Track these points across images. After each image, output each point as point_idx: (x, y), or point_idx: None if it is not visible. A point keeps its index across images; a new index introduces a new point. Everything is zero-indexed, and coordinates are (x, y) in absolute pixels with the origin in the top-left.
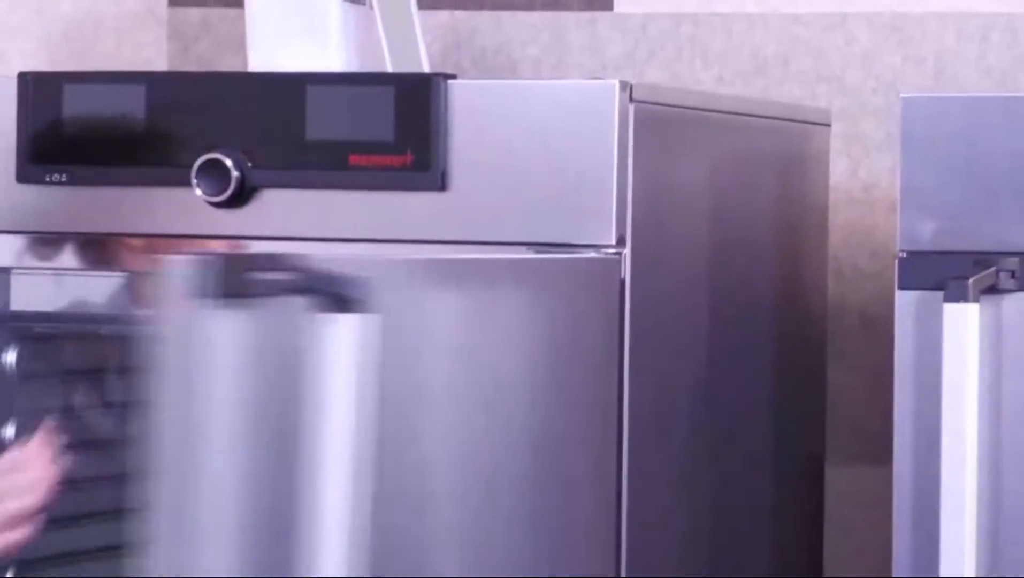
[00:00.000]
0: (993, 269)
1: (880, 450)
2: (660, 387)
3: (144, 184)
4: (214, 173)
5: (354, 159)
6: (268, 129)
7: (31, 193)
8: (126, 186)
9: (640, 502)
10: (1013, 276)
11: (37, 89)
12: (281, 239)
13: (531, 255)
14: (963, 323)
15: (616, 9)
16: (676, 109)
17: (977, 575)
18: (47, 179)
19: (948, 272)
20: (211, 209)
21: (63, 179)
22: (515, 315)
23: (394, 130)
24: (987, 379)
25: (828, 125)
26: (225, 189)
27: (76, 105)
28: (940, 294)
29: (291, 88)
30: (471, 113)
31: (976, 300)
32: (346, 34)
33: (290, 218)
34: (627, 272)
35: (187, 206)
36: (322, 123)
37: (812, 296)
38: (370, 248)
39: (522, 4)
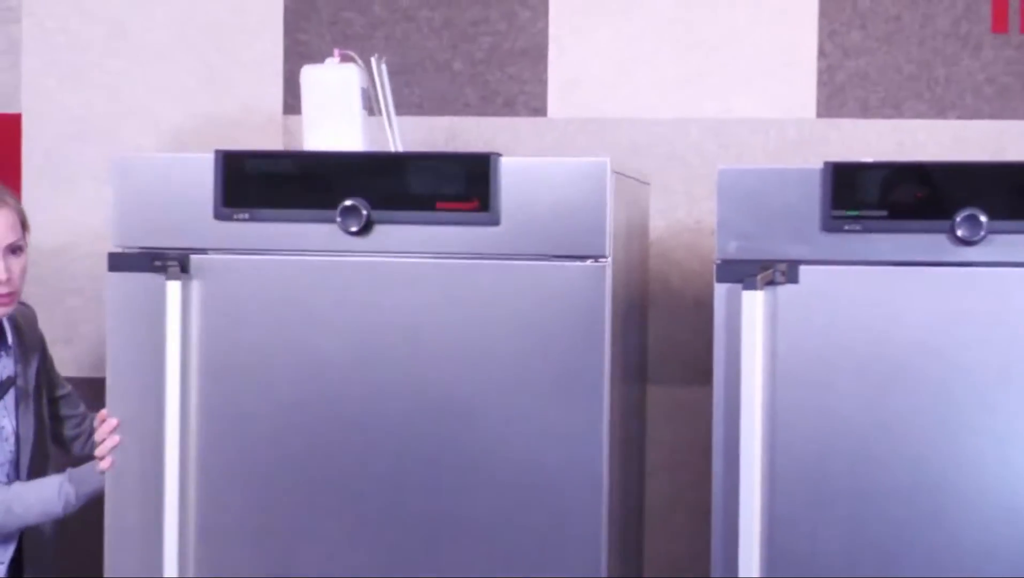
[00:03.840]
0: (772, 270)
1: (705, 377)
2: (624, 345)
3: (300, 221)
4: (352, 213)
5: (440, 205)
6: (386, 186)
7: (223, 226)
8: (287, 222)
9: (614, 427)
10: (783, 274)
11: (227, 161)
12: (393, 254)
13: (553, 263)
14: (754, 303)
15: (549, 116)
16: (619, 176)
17: (760, 450)
18: (235, 217)
19: (745, 272)
20: (345, 237)
21: (246, 217)
22: (542, 301)
23: (466, 187)
24: (763, 336)
25: (648, 184)
26: (359, 223)
27: (253, 169)
28: (740, 285)
29: (401, 161)
30: (514, 177)
31: (762, 289)
32: (364, 129)
33: (398, 242)
34: (608, 273)
35: (329, 235)
36: (420, 183)
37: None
38: (449, 261)
39: (492, 113)
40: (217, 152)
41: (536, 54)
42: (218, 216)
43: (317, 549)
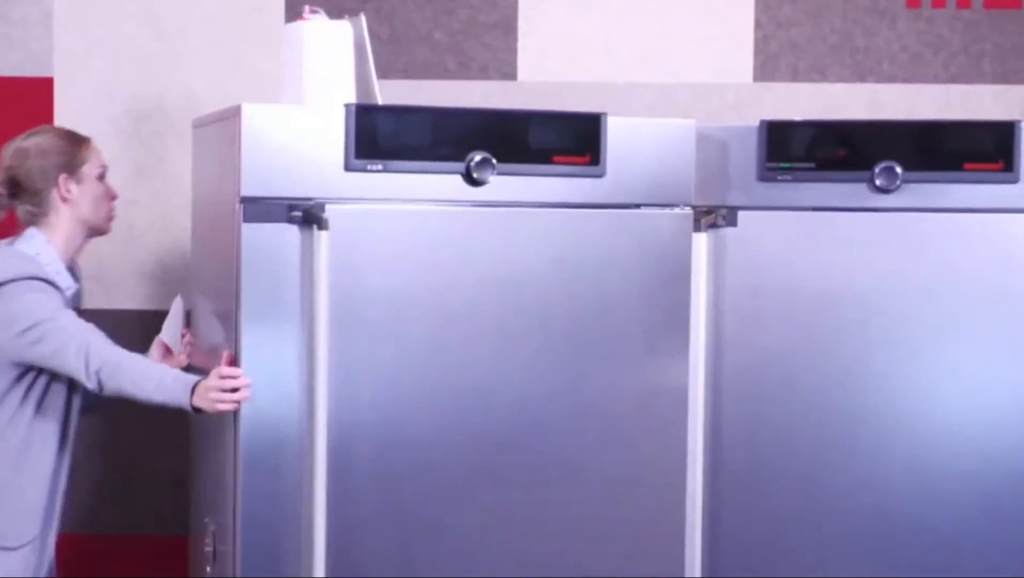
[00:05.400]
0: (715, 214)
1: None
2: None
3: (431, 172)
4: (484, 165)
5: (556, 158)
6: (508, 140)
7: (352, 177)
8: (419, 173)
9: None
10: (724, 218)
11: (359, 114)
12: (511, 204)
13: (651, 211)
14: (700, 243)
15: (518, 80)
16: None
17: (704, 360)
18: (368, 168)
19: (693, 217)
20: (467, 187)
21: (379, 168)
22: (640, 244)
23: (577, 141)
24: (708, 270)
25: None
26: (490, 174)
27: (384, 122)
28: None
29: (523, 118)
30: (618, 133)
31: (706, 231)
32: (352, 88)
33: (516, 193)
34: (692, 218)
35: (452, 185)
36: (538, 138)
37: None
38: (562, 210)
39: (469, 77)
40: (347, 105)
41: (507, 26)
42: (349, 167)
43: (446, 492)
